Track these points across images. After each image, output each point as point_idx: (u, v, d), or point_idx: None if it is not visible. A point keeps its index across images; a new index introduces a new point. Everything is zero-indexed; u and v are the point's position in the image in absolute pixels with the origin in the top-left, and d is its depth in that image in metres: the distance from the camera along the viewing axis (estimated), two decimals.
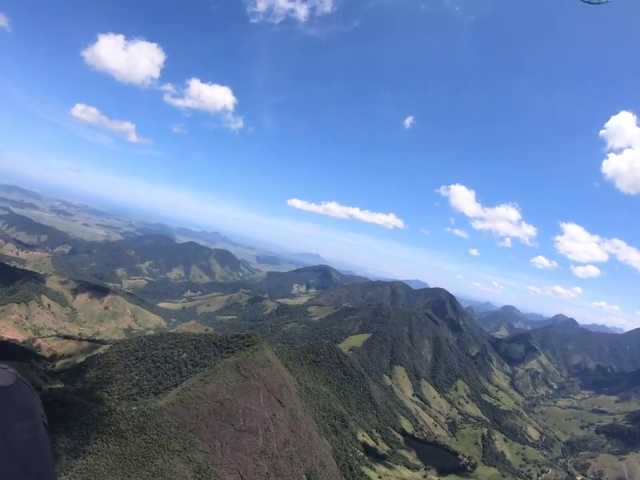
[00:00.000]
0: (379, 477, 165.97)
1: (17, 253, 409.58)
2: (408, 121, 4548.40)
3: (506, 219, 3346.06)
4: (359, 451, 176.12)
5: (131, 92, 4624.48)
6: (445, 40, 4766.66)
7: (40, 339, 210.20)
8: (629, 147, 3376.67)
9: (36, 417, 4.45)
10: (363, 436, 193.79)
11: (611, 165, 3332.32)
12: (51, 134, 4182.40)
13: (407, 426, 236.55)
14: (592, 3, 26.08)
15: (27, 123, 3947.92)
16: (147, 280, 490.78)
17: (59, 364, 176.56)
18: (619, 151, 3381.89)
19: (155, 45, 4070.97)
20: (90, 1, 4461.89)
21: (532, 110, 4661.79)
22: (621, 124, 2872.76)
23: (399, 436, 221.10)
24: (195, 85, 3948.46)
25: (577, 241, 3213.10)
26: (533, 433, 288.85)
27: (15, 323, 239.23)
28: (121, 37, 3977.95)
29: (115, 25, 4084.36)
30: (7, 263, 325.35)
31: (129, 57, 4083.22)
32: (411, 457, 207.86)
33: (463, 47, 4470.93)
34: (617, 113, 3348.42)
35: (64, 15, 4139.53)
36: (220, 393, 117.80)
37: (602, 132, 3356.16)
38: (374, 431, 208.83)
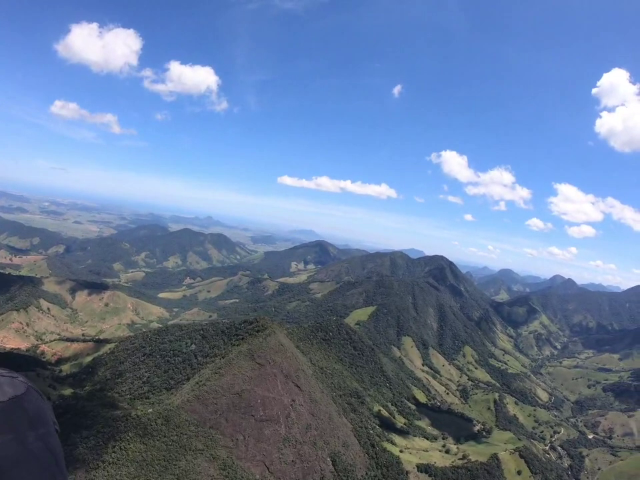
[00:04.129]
0: (400, 451, 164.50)
1: (10, 259, 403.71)
2: (396, 90, 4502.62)
3: (500, 183, 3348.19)
4: (377, 427, 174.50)
5: (109, 82, 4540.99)
6: (429, 2, 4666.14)
7: (43, 345, 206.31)
8: (623, 105, 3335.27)
9: (48, 424, 4.55)
10: (380, 411, 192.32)
11: (605, 124, 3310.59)
12: (32, 134, 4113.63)
13: (420, 396, 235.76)
14: None
15: (7, 126, 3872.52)
16: (144, 272, 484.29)
17: (65, 368, 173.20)
18: (612, 109, 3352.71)
19: (131, 30, 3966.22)
20: None
21: (521, 71, 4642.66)
22: (613, 81, 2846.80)
23: (414, 407, 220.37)
24: (175, 68, 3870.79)
25: (572, 201, 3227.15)
26: (542, 395, 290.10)
27: (16, 331, 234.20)
28: (94, 26, 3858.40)
29: (87, 13, 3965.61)
30: (1, 271, 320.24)
31: (105, 46, 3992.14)
32: (427, 427, 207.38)
33: (449, 9, 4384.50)
34: (609, 70, 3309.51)
35: (31, 7, 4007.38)
36: (237, 384, 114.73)
37: (594, 90, 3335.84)
38: (389, 404, 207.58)
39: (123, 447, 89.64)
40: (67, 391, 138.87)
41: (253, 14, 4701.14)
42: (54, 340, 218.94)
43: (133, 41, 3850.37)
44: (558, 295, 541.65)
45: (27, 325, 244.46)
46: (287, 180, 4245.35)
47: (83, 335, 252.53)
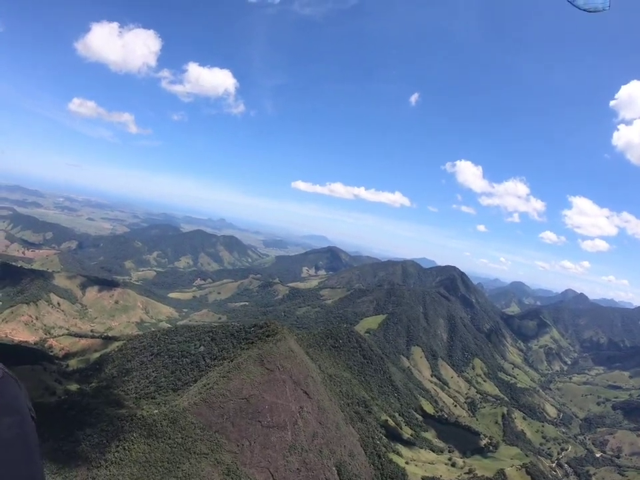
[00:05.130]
0: (406, 463, 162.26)
1: (23, 253, 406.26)
2: (413, 98, 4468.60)
3: (514, 194, 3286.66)
4: (384, 437, 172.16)
5: (127, 82, 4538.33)
6: (448, 13, 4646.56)
7: (51, 339, 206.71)
8: None
9: (23, 412, 4.38)
10: (387, 421, 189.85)
11: (622, 137, 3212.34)
12: (49, 130, 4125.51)
13: (428, 407, 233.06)
14: (589, 11, 22.12)
15: (24, 121, 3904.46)
16: (155, 271, 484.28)
17: (72, 363, 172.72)
18: (630, 122, 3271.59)
19: (151, 31, 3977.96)
20: None
21: (539, 82, 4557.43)
22: (632, 94, 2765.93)
23: (421, 418, 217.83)
24: (194, 69, 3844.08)
25: (586, 214, 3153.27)
26: (551, 410, 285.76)
27: (25, 324, 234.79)
28: (115, 25, 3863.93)
29: (108, 12, 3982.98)
30: (14, 264, 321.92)
31: (124, 46, 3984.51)
32: (433, 439, 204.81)
33: (467, 19, 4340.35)
34: (628, 82, 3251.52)
35: (54, 4, 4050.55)
36: (245, 389, 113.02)
37: (612, 103, 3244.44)
38: (397, 414, 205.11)
39: (126, 447, 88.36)
40: (73, 387, 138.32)
41: (272, 19, 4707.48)
42: (62, 335, 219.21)
43: (152, 41, 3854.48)
44: (569, 309, 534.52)
45: (37, 318, 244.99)
46: (300, 185, 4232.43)
47: (91, 331, 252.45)
